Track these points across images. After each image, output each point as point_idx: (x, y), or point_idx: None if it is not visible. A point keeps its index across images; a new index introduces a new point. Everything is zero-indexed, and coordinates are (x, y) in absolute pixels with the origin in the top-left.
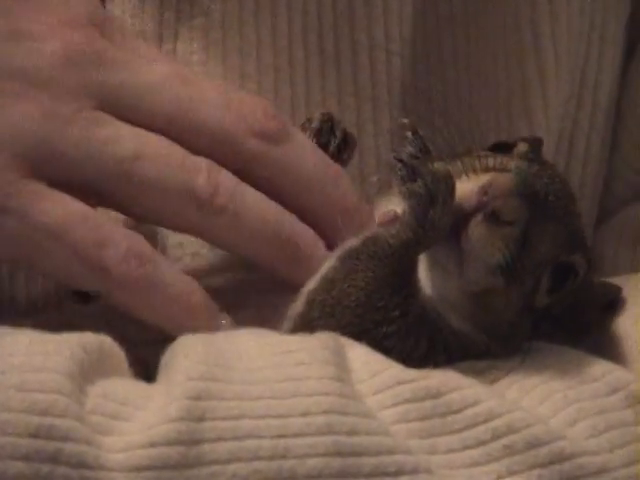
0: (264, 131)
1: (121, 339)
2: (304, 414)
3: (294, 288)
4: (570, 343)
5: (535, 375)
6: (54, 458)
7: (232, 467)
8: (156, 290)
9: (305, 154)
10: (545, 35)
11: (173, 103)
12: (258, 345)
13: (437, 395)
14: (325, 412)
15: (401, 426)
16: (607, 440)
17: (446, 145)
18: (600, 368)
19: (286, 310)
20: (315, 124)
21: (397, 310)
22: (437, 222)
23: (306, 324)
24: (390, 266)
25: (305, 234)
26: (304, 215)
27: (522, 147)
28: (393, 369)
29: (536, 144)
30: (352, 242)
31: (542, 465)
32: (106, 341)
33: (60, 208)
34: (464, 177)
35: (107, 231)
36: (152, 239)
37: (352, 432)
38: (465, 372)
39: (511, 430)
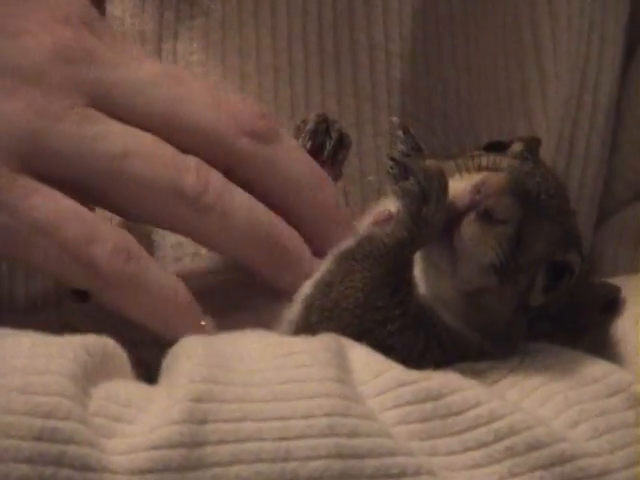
0: (254, 130)
1: (121, 339)
2: (306, 416)
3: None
4: (570, 344)
5: (535, 376)
6: (57, 461)
7: (234, 469)
8: (143, 287)
9: (294, 156)
10: (545, 35)
11: (163, 102)
12: (260, 347)
13: (438, 397)
14: (327, 414)
15: (402, 428)
16: (608, 442)
17: (443, 148)
18: (600, 369)
19: (284, 313)
20: (310, 125)
21: (398, 309)
22: (431, 219)
23: (306, 329)
24: (386, 265)
25: (293, 237)
26: (288, 218)
27: (517, 147)
28: (394, 370)
29: (533, 144)
30: (347, 243)
31: (543, 467)
32: (109, 343)
33: (51, 204)
34: (457, 176)
35: (95, 227)
36: (147, 237)
37: (354, 434)
38: (464, 373)
39: (513, 432)
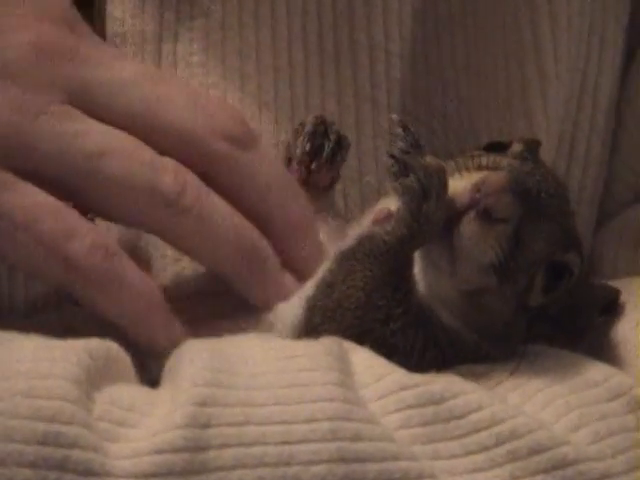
0: (232, 135)
1: (124, 343)
2: (308, 420)
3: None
4: (569, 345)
5: (536, 380)
6: (61, 465)
7: (237, 473)
8: (119, 284)
9: (269, 163)
10: (545, 35)
11: (142, 102)
12: (262, 350)
13: (440, 401)
14: (329, 418)
15: (404, 432)
16: (609, 446)
17: (443, 148)
18: (601, 373)
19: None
20: (309, 127)
21: (400, 307)
22: (431, 216)
23: (309, 331)
24: (387, 263)
25: (266, 246)
26: (258, 224)
27: (517, 147)
28: (396, 374)
29: (533, 145)
30: (347, 242)
31: (545, 471)
32: (112, 347)
33: (28, 199)
34: (457, 175)
35: (74, 223)
36: (147, 238)
37: (356, 438)
38: (464, 376)
39: (514, 435)
